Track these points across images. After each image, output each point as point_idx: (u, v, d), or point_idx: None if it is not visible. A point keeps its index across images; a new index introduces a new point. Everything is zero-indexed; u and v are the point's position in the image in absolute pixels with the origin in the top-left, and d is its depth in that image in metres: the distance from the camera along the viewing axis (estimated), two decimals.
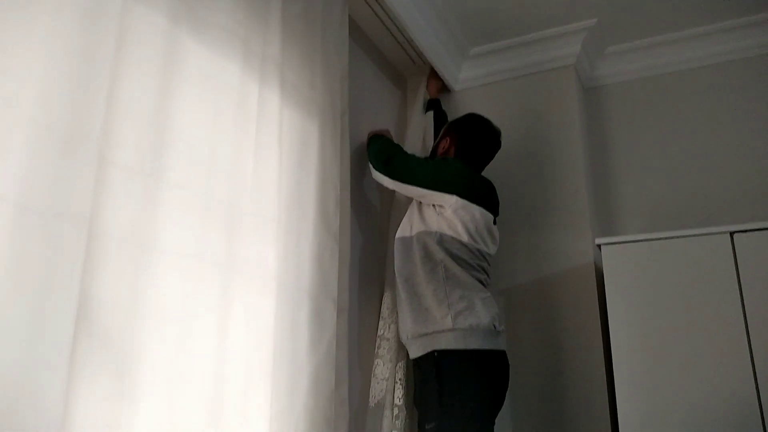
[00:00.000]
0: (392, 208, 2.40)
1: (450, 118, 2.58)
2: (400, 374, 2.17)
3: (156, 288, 1.26)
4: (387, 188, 2.29)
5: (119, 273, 1.18)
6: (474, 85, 2.93)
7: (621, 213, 2.73)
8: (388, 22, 2.43)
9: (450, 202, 2.08)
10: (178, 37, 1.41)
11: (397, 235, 2.20)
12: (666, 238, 2.19)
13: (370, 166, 2.22)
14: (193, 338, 1.34)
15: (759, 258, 2.05)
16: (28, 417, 0.96)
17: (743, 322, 2.00)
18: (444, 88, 2.87)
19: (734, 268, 2.07)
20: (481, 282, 2.09)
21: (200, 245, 1.40)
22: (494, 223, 2.21)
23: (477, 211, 2.10)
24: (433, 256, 2.06)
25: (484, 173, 2.34)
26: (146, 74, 1.30)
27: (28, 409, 0.96)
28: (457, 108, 2.86)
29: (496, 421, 2.00)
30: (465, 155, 2.26)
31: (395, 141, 2.42)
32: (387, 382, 2.11)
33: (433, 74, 2.75)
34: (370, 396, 2.10)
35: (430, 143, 2.54)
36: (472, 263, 2.08)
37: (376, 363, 2.14)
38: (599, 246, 2.29)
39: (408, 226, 2.17)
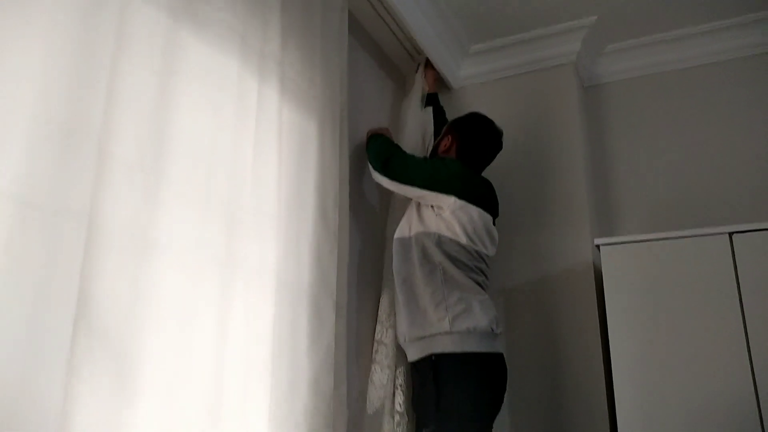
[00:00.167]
0: (389, 209, 2.38)
1: (450, 116, 2.56)
2: (400, 380, 2.13)
3: (155, 286, 1.25)
4: (385, 188, 2.28)
5: (119, 270, 1.17)
6: (474, 82, 2.93)
7: (620, 213, 2.73)
8: (388, 19, 2.42)
9: (448, 203, 2.07)
10: (178, 33, 1.40)
11: (395, 236, 2.18)
12: (665, 239, 2.19)
13: (370, 166, 2.21)
14: (192, 337, 1.33)
15: (758, 258, 2.05)
16: (27, 417, 0.95)
17: (742, 322, 2.01)
18: (440, 80, 2.85)
19: (733, 268, 2.07)
20: (479, 284, 2.07)
21: (200, 243, 1.39)
22: (494, 223, 2.20)
23: (475, 212, 2.09)
24: (431, 258, 2.05)
25: (483, 173, 2.33)
26: (146, 70, 1.29)
27: (28, 409, 0.95)
28: (457, 106, 2.85)
29: (495, 423, 2.00)
30: (466, 155, 2.25)
31: (394, 137, 2.40)
32: (385, 389, 2.07)
33: (429, 64, 2.70)
34: (368, 402, 2.06)
35: (430, 140, 2.53)
36: (471, 265, 2.07)
37: (373, 369, 2.10)
38: (598, 246, 2.28)
39: (407, 227, 2.16)
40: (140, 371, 1.18)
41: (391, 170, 2.14)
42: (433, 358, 1.95)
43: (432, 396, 1.91)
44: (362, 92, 2.43)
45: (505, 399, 2.05)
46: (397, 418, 2.07)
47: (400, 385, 2.12)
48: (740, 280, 2.05)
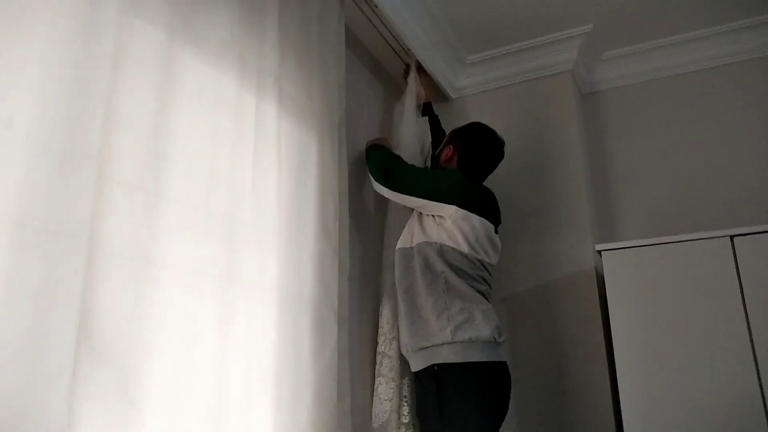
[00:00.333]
0: (387, 219, 2.37)
1: (448, 127, 2.57)
2: (405, 391, 2.12)
3: (157, 303, 1.25)
4: (385, 199, 2.29)
5: (120, 289, 1.17)
6: (471, 93, 2.94)
7: (621, 218, 2.73)
8: (385, 32, 2.44)
9: (449, 212, 2.08)
10: (175, 52, 1.41)
11: (397, 246, 2.19)
12: (666, 243, 2.19)
13: (371, 177, 2.22)
14: (195, 353, 1.33)
15: (760, 261, 2.05)
16: None
17: (746, 325, 2.00)
18: (434, 86, 2.86)
19: (735, 271, 2.07)
20: (482, 293, 2.07)
21: (201, 259, 1.39)
22: (496, 232, 2.20)
23: (477, 220, 2.09)
24: (433, 267, 2.05)
25: (484, 182, 2.33)
26: (143, 89, 1.30)
27: (32, 427, 0.96)
28: (456, 116, 2.86)
29: (501, 430, 1.99)
30: (468, 164, 2.26)
31: (392, 144, 2.41)
32: (392, 402, 2.06)
33: (421, 68, 2.66)
34: (373, 416, 2.06)
35: (429, 150, 2.53)
36: (473, 274, 2.07)
37: (378, 382, 2.09)
38: (600, 252, 2.28)
39: (408, 237, 2.16)
40: (144, 389, 1.19)
41: (392, 181, 2.15)
42: (435, 368, 1.95)
43: (435, 406, 1.91)
44: (360, 104, 2.44)
45: (510, 406, 2.04)
46: (402, 429, 2.06)
47: (405, 397, 2.12)
48: (743, 283, 2.04)
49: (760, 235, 2.07)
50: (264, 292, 1.59)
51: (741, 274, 2.05)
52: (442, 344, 1.95)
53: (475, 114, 2.78)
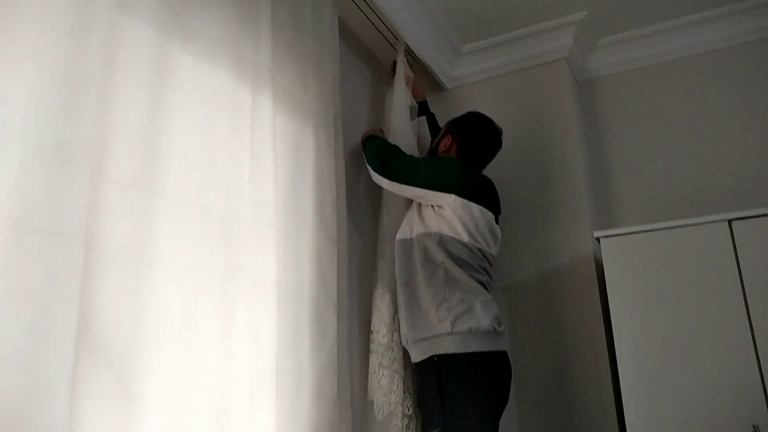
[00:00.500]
0: (382, 210, 2.35)
1: (445, 118, 2.57)
2: (408, 383, 2.13)
3: (156, 301, 1.26)
4: (382, 190, 2.28)
5: (119, 288, 1.17)
6: (467, 82, 2.94)
7: (619, 205, 2.73)
8: (378, 24, 2.43)
9: (448, 201, 2.07)
10: (168, 48, 1.40)
11: (397, 237, 2.18)
12: (664, 229, 2.19)
13: (369, 168, 2.22)
14: (196, 349, 1.34)
15: (758, 245, 2.05)
16: None
17: (744, 309, 2.00)
18: (433, 82, 2.85)
19: (734, 255, 2.07)
20: (482, 284, 2.07)
21: (199, 256, 1.39)
22: (497, 222, 2.20)
23: (477, 209, 2.09)
24: (433, 258, 2.05)
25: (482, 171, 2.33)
26: (137, 87, 1.30)
27: (32, 426, 0.96)
28: (452, 106, 2.86)
29: (502, 418, 2.00)
30: (466, 154, 2.26)
31: (385, 131, 2.39)
32: (395, 394, 2.06)
33: (413, 67, 2.61)
34: (376, 408, 2.05)
35: (426, 148, 2.51)
36: (473, 264, 2.06)
37: (381, 374, 2.08)
38: (598, 239, 2.29)
39: (408, 229, 2.16)
40: (144, 387, 1.19)
41: (390, 171, 2.14)
42: (435, 359, 1.95)
43: (436, 398, 1.91)
44: (355, 95, 2.44)
45: (511, 395, 2.05)
46: (406, 421, 2.06)
47: (408, 388, 2.12)
48: (741, 267, 2.05)
49: (758, 218, 2.07)
50: (263, 287, 1.59)
51: (739, 258, 2.05)
52: (442, 335, 1.95)
53: (471, 104, 2.78)
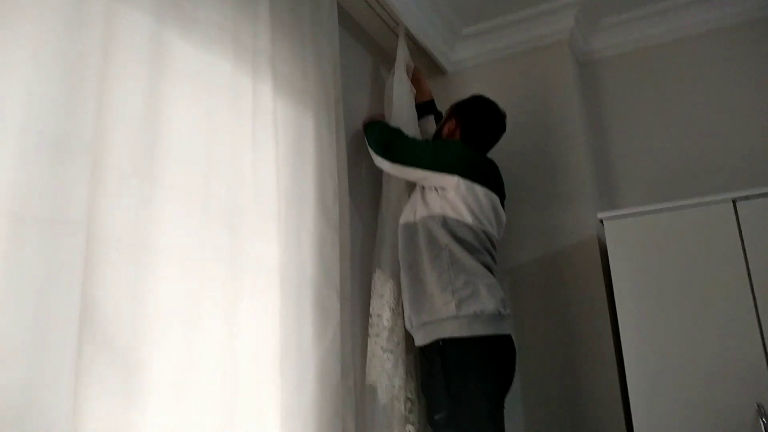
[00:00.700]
0: (383, 195, 2.33)
1: (445, 102, 2.55)
2: (411, 366, 2.13)
3: (159, 290, 1.26)
4: (383, 175, 2.28)
5: (120, 277, 1.18)
6: (468, 66, 2.92)
7: (622, 186, 2.72)
8: (377, 7, 2.41)
9: (452, 183, 2.06)
10: (166, 36, 1.40)
11: (401, 221, 2.18)
12: (668, 209, 2.18)
13: (371, 151, 2.21)
14: (200, 338, 1.34)
15: (762, 224, 2.04)
16: (37, 424, 0.96)
17: (749, 288, 2.00)
18: (434, 65, 2.83)
19: (738, 235, 2.06)
20: (486, 266, 2.06)
21: (202, 244, 1.40)
22: (502, 206, 2.19)
23: (481, 191, 2.08)
24: (437, 240, 2.04)
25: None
26: (135, 76, 1.29)
27: (37, 419, 0.97)
28: (453, 89, 2.84)
29: (507, 402, 2.01)
30: (470, 137, 2.24)
31: (386, 114, 2.38)
32: (398, 377, 2.06)
33: (416, 68, 2.59)
34: (380, 391, 2.04)
35: None
36: (478, 246, 2.06)
37: (386, 357, 2.08)
38: (602, 220, 2.28)
39: (411, 213, 2.15)
40: (148, 375, 1.20)
41: (393, 153, 2.14)
42: (440, 343, 1.95)
43: (441, 382, 1.91)
44: (355, 81, 2.43)
45: (516, 377, 2.05)
46: (408, 405, 2.07)
47: (410, 372, 2.13)
48: (746, 246, 2.04)
49: (762, 197, 2.06)
50: (266, 275, 1.59)
51: (744, 238, 2.05)
52: (447, 318, 1.95)
53: (472, 87, 2.76)
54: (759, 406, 1.89)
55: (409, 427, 2.04)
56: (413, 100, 2.46)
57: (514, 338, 2.06)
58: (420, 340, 2.04)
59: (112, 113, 1.22)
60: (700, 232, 2.11)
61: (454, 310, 1.94)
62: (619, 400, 2.26)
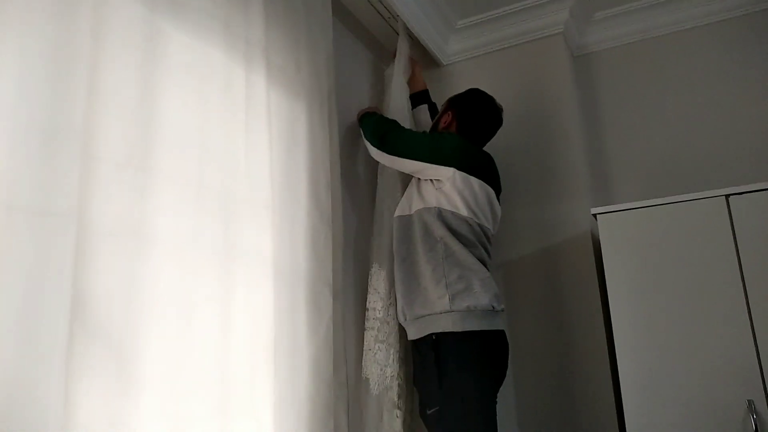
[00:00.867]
0: (377, 189, 2.33)
1: (440, 94, 2.54)
2: (403, 357, 2.14)
3: (152, 281, 1.25)
4: (378, 168, 2.27)
5: (113, 268, 1.17)
6: (463, 58, 2.90)
7: (616, 181, 2.72)
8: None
9: (447, 174, 2.05)
10: (158, 25, 1.38)
11: (396, 214, 2.17)
12: (661, 205, 2.18)
13: (367, 143, 2.19)
14: (193, 328, 1.33)
15: (755, 220, 2.04)
16: (28, 417, 0.95)
17: (741, 284, 2.00)
18: (428, 58, 2.81)
19: (731, 231, 2.06)
20: (481, 260, 2.06)
21: (195, 235, 1.39)
22: (498, 199, 2.18)
23: (476, 184, 2.07)
24: (432, 233, 2.03)
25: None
26: (127, 65, 1.27)
27: (28, 408, 0.96)
28: (448, 82, 2.83)
29: (500, 396, 2.01)
30: (466, 130, 2.24)
31: (383, 108, 2.37)
32: (390, 368, 2.07)
33: (413, 58, 2.61)
34: (372, 383, 2.05)
35: None
36: (473, 239, 2.05)
37: (377, 348, 2.09)
38: (595, 215, 2.28)
39: (407, 205, 2.14)
40: (141, 367, 1.19)
41: (389, 145, 2.12)
42: (433, 337, 1.94)
43: (434, 376, 1.91)
44: (349, 73, 2.41)
45: (509, 372, 2.06)
46: (398, 391, 2.07)
47: (402, 362, 2.13)
48: (738, 242, 2.04)
49: (755, 193, 2.06)
50: (259, 267, 1.58)
51: (736, 234, 2.05)
52: (441, 313, 1.95)
53: (466, 80, 2.75)
54: (750, 402, 1.89)
55: (397, 412, 2.05)
56: (407, 91, 2.45)
57: (507, 332, 2.06)
58: (413, 334, 2.04)
59: (103, 102, 1.20)
60: (693, 228, 2.11)
61: (447, 305, 1.94)
62: (612, 394, 2.26)
